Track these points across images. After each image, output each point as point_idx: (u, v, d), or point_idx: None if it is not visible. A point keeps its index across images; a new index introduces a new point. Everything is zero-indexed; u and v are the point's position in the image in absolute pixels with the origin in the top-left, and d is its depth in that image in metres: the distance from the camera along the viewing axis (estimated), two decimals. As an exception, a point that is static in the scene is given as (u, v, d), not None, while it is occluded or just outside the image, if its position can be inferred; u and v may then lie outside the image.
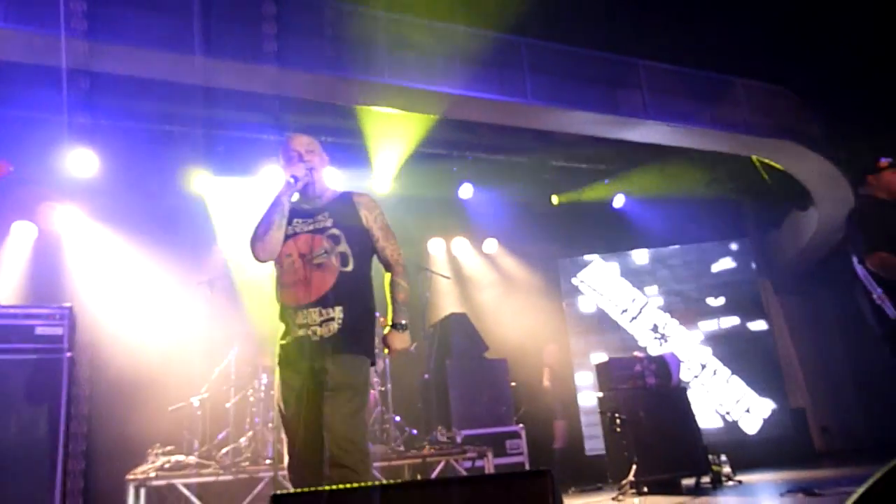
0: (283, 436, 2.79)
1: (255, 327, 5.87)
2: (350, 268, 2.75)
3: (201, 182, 7.01)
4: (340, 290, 2.70)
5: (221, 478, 4.74)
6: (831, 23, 7.52)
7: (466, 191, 8.22)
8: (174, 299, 6.59)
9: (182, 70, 5.73)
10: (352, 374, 2.64)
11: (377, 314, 3.18)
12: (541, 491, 1.38)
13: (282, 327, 2.77)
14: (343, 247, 2.77)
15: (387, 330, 2.84)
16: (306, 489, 2.59)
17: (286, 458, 2.74)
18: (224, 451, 5.35)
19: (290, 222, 2.84)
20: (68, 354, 5.00)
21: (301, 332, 2.68)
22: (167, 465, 4.75)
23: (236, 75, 5.90)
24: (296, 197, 2.92)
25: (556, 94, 6.38)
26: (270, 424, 5.24)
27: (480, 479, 1.64)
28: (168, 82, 5.94)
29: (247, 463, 5.02)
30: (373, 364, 2.78)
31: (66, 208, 6.66)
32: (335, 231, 2.79)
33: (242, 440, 5.47)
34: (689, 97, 7.22)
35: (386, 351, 2.84)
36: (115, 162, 6.50)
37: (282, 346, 2.75)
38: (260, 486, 4.73)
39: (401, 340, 2.82)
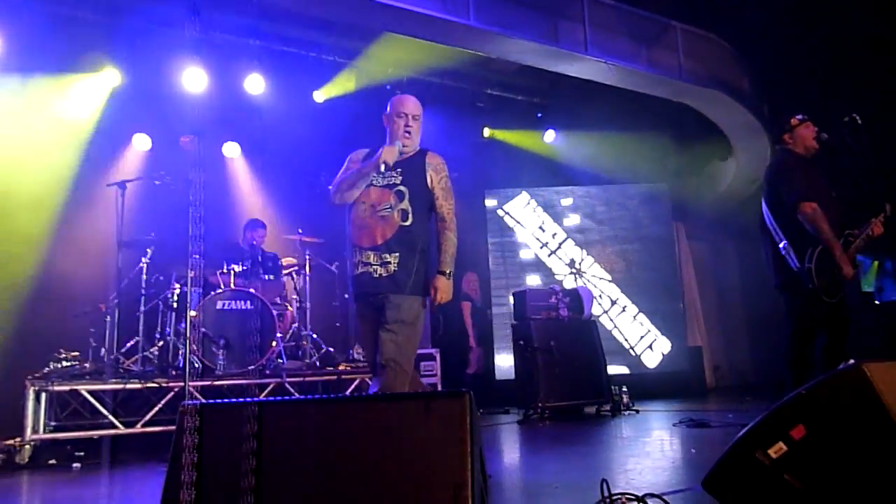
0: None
1: (169, 235, 5.64)
2: (409, 222, 3.24)
3: (113, 75, 6.55)
4: (397, 241, 3.22)
5: (128, 386, 4.64)
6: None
7: (398, 111, 8.02)
8: (85, 199, 6.24)
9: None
10: (402, 312, 3.17)
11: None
12: (459, 411, 1.40)
13: (352, 260, 3.31)
14: (405, 204, 3.26)
15: (436, 277, 3.25)
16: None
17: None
18: (132, 359, 5.23)
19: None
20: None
21: (363, 269, 3.24)
22: (71, 371, 4.61)
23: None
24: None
25: (498, 19, 6.20)
26: (182, 335, 5.14)
27: (401, 397, 1.66)
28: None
29: (156, 373, 4.93)
30: (424, 298, 3.25)
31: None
32: (402, 188, 3.28)
33: (152, 350, 5.35)
34: (629, 37, 7.19)
35: (434, 294, 3.23)
36: (18, 46, 5.96)
37: (353, 277, 3.30)
38: (168, 396, 4.66)
39: (444, 286, 3.24)
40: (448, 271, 3.26)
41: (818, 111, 4.24)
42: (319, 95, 7.66)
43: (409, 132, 3.39)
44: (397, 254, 3.23)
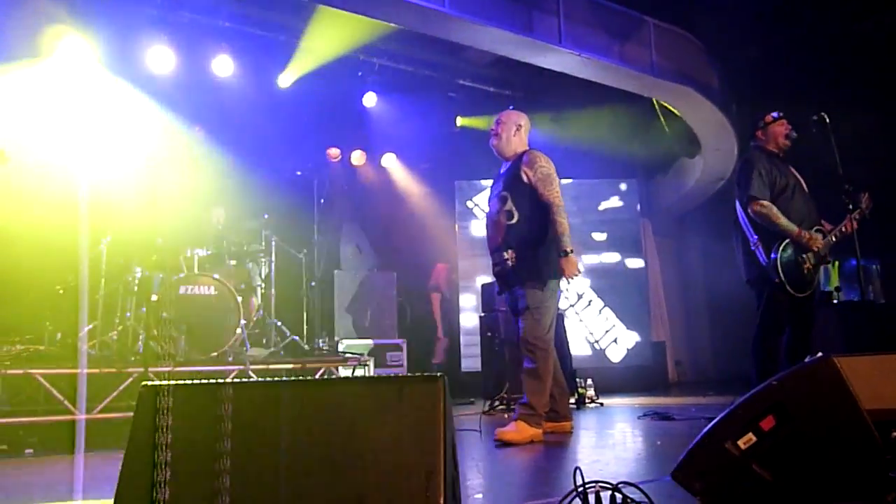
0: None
1: (132, 218, 5.47)
2: (514, 220, 3.77)
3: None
4: (509, 239, 3.79)
5: (85, 371, 4.49)
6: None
7: (370, 99, 7.94)
8: (43, 178, 6.02)
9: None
10: (526, 300, 3.73)
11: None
12: (432, 396, 1.36)
13: None
14: (509, 205, 3.80)
15: (558, 260, 3.70)
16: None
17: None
18: (90, 344, 5.08)
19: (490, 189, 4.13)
20: None
21: (493, 269, 3.98)
22: (25, 355, 4.45)
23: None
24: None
25: (473, 7, 6.15)
26: (143, 321, 5.00)
27: (373, 380, 1.61)
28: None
29: (114, 358, 4.78)
30: (547, 282, 3.76)
31: None
32: (504, 193, 3.84)
33: (111, 335, 5.21)
34: (602, 30, 7.19)
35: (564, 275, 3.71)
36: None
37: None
38: (127, 382, 4.52)
39: (567, 264, 3.68)
40: (565, 250, 3.68)
41: (786, 110, 4.31)
42: (287, 80, 7.53)
43: (494, 134, 4.03)
44: (511, 250, 3.76)
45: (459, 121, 8.86)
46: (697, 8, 8.00)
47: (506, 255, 3.78)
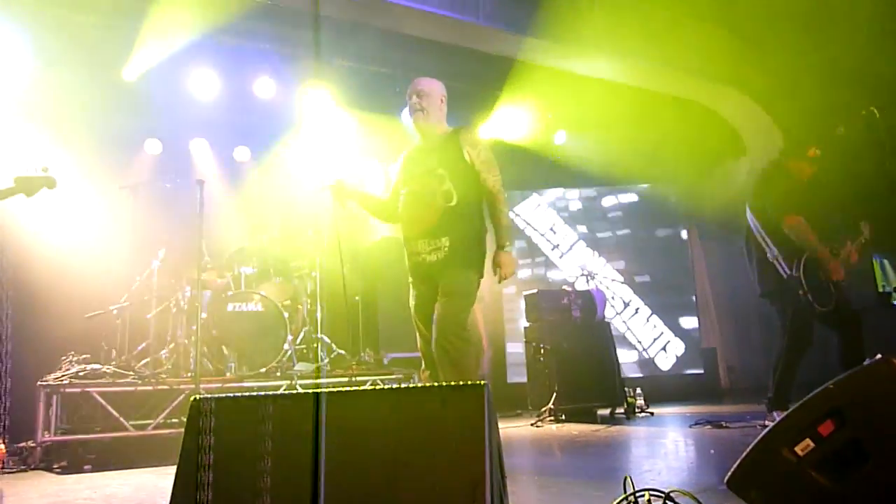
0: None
1: (180, 238, 5.63)
2: (454, 202, 3.20)
3: (131, 73, 6.49)
4: (445, 224, 3.19)
5: (140, 388, 4.62)
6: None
7: (408, 114, 8.02)
8: (95, 203, 6.23)
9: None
10: (456, 282, 3.17)
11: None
12: (476, 404, 1.36)
13: (405, 250, 3.36)
14: (447, 185, 3.21)
15: (496, 253, 3.25)
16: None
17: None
18: (143, 362, 5.22)
19: (406, 167, 3.46)
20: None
21: (415, 258, 3.28)
22: (82, 373, 4.59)
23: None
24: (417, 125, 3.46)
25: (508, 17, 6.16)
26: (193, 338, 5.11)
27: (416, 390, 1.62)
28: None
29: (166, 375, 4.90)
30: (482, 273, 3.27)
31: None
32: (440, 171, 3.24)
33: (163, 352, 5.34)
34: (641, 33, 7.11)
35: (498, 271, 3.25)
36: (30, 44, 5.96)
37: (409, 266, 3.36)
38: (180, 399, 4.63)
39: (507, 261, 3.25)
40: (507, 245, 3.25)
41: (832, 107, 4.21)
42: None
43: (418, 109, 3.37)
44: (447, 237, 3.17)
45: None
46: (738, 5, 7.84)
47: (439, 243, 3.18)
